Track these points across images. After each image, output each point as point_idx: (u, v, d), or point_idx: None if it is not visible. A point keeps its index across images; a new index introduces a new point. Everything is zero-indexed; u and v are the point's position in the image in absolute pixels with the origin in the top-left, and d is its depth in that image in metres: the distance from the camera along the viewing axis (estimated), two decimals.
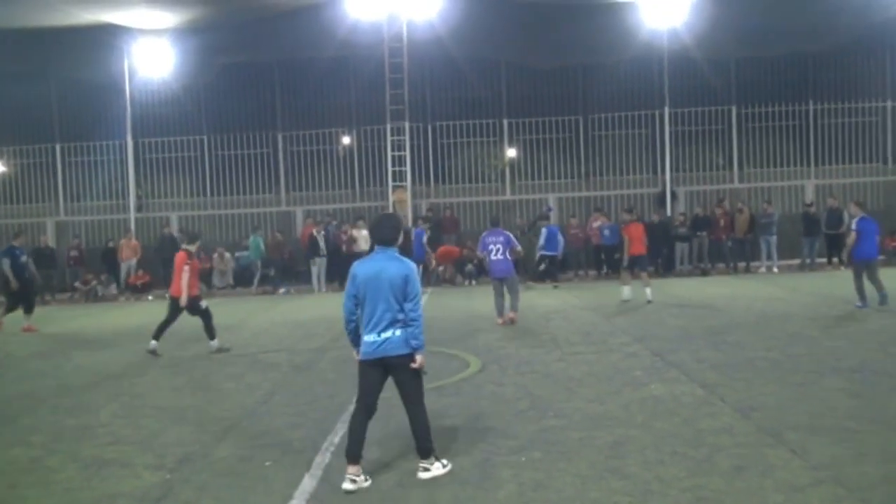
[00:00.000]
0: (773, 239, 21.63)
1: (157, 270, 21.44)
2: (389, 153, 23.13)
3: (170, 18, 21.59)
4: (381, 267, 5.54)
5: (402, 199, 23.25)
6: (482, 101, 24.51)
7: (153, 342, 11.44)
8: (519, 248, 13.53)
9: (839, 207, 22.05)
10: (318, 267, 21.13)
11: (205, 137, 24.51)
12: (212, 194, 24.65)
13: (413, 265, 5.71)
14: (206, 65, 22.94)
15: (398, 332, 5.48)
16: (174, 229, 22.73)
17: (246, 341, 12.59)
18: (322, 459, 5.97)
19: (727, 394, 7.39)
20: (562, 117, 24.46)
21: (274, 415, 7.52)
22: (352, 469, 5.34)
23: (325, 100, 24.33)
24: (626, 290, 15.61)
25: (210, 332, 11.53)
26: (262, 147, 24.54)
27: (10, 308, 15.08)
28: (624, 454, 5.74)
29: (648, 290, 15.33)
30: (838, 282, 17.54)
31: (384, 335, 5.48)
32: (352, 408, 7.41)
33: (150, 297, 21.18)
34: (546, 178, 24.57)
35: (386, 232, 5.71)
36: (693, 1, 21.84)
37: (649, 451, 5.76)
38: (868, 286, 13.04)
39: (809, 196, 23.55)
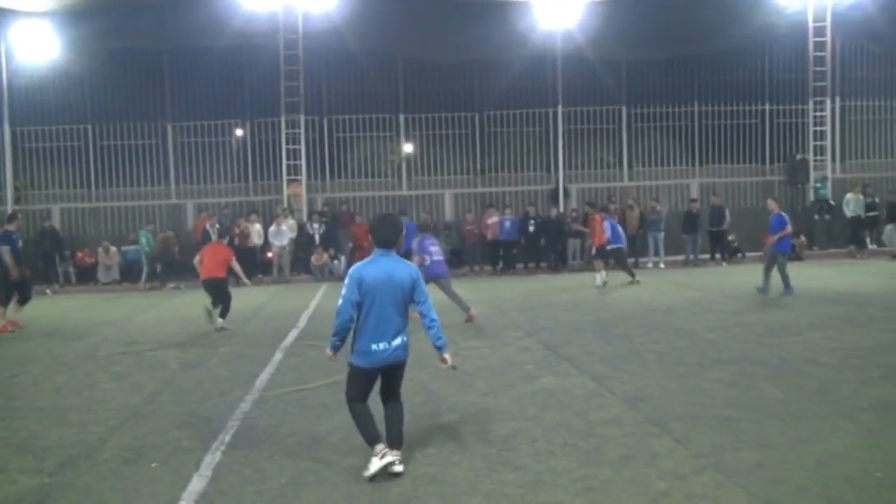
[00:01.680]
0: (661, 235, 22.43)
1: (36, 264, 20.42)
2: (284, 146, 22.80)
3: (51, 0, 20.61)
4: (389, 271, 5.41)
5: (296, 194, 22.98)
6: (379, 96, 24.40)
7: (220, 320, 12.46)
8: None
9: (721, 205, 23.08)
10: None
11: (89, 126, 23.44)
12: (97, 186, 23.60)
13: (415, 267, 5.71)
14: (92, 50, 21.94)
15: (405, 339, 5.48)
16: (55, 222, 21.73)
17: (132, 338, 12.13)
18: (212, 459, 5.82)
19: (616, 386, 7.61)
20: (458, 113, 24.61)
21: (161, 414, 7.29)
22: (379, 447, 5.28)
23: (218, 90, 23.64)
24: (599, 277, 17.30)
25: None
26: (150, 138, 23.63)
27: (6, 300, 13.56)
28: (516, 446, 5.83)
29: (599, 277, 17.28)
30: (721, 278, 18.37)
31: (394, 343, 5.40)
32: (245, 406, 7.39)
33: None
34: (442, 174, 24.68)
35: (388, 233, 5.57)
36: (586, 3, 22.40)
37: (540, 443, 5.87)
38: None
39: (694, 194, 24.52)
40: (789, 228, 14.74)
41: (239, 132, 24.17)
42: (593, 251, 17.73)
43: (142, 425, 6.92)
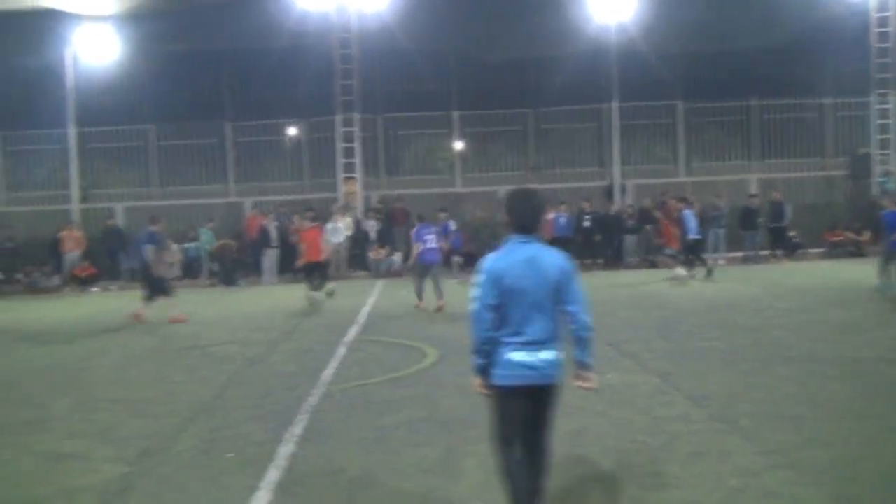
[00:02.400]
0: (722, 232, 22.11)
1: (102, 262, 21.00)
2: (340, 144, 23.04)
3: (114, 4, 21.15)
4: (533, 262, 4.11)
5: (352, 191, 23.20)
6: (433, 94, 24.54)
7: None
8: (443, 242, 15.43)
9: (781, 201, 22.66)
10: (269, 258, 20.97)
11: (151, 127, 24.05)
12: (158, 185, 24.21)
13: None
14: (153, 53, 22.49)
15: (557, 352, 4.19)
16: (119, 220, 22.31)
17: (197, 334, 12.43)
18: (286, 450, 5.95)
19: (681, 383, 7.57)
20: (512, 110, 24.62)
21: (231, 408, 7.46)
22: None
23: (275, 90, 24.03)
24: (684, 269, 16.93)
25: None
26: (210, 137, 24.17)
27: (150, 297, 14.13)
28: (585, 442, 5.86)
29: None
30: (781, 274, 18.07)
31: (543, 356, 4.12)
32: (313, 399, 7.53)
33: (95, 290, 20.75)
34: (496, 171, 24.69)
35: (528, 213, 4.24)
36: None
37: (609, 439, 5.89)
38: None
39: (753, 189, 24.11)
40: None
41: (292, 131, 24.50)
42: (666, 250, 17.36)
43: (214, 418, 7.10)
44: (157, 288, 14.15)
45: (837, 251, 22.57)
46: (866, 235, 22.49)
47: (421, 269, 14.35)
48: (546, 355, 4.14)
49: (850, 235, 22.71)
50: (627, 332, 10.82)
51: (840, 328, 10.45)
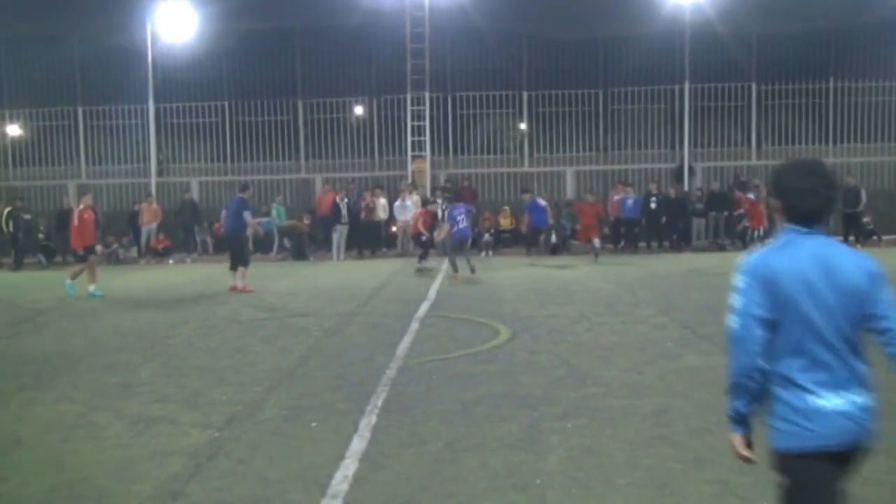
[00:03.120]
0: None
1: (177, 235, 21.53)
2: (409, 123, 23.14)
3: None
4: (824, 262, 2.86)
5: (420, 169, 23.30)
6: (502, 73, 24.42)
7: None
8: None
9: (857, 186, 22.01)
10: (339, 234, 21.23)
11: (226, 103, 24.47)
12: (232, 160, 24.67)
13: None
14: (229, 31, 22.86)
15: (868, 393, 2.86)
16: (194, 194, 22.81)
17: (272, 306, 12.68)
18: (368, 421, 6.04)
19: None
20: (581, 90, 24.36)
21: (312, 377, 7.60)
22: None
23: (347, 68, 24.24)
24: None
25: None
26: (282, 114, 24.50)
27: (234, 266, 14.54)
28: (668, 422, 5.80)
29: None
30: None
31: (856, 398, 2.82)
32: (391, 372, 7.63)
33: (170, 261, 21.29)
34: (564, 152, 24.50)
35: (814, 194, 2.91)
36: None
37: (694, 420, 5.82)
38: None
39: None
40: None
41: (358, 110, 24.66)
42: (755, 233, 16.96)
43: (296, 387, 7.24)
44: (238, 256, 14.38)
45: None
46: None
47: (455, 246, 15.91)
48: (859, 398, 2.82)
49: None
50: (702, 314, 10.66)
51: None
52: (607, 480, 4.71)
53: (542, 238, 20.60)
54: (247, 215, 14.61)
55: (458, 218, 15.74)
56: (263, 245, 22.53)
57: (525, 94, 24.30)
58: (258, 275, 17.50)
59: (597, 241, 19.06)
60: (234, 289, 14.21)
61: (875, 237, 22.04)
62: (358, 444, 5.51)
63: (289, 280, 16.69)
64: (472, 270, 15.44)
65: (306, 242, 21.68)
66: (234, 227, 14.83)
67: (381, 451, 5.36)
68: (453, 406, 6.41)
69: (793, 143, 24.53)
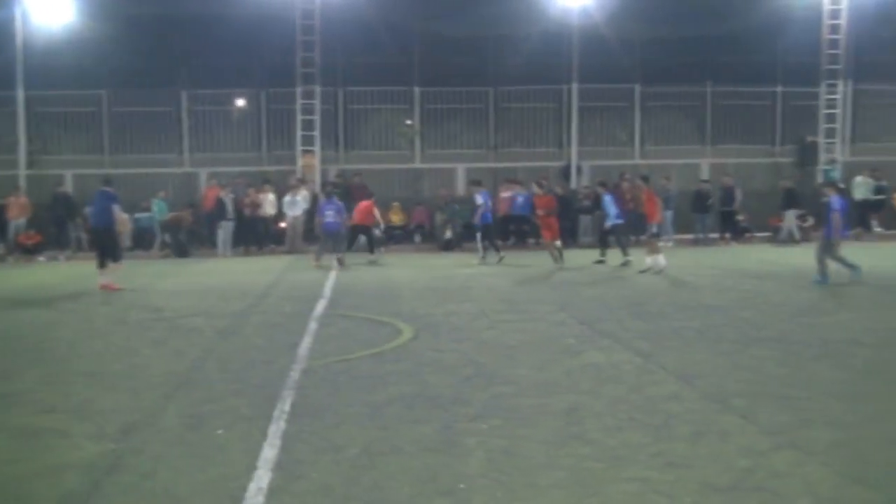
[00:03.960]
0: (670, 214, 22.41)
1: (48, 231, 20.29)
2: (299, 117, 22.66)
3: None
4: None
5: (310, 164, 22.88)
6: (394, 68, 24.21)
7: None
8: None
9: (732, 186, 23.07)
10: (225, 231, 20.58)
11: (103, 92, 23.23)
12: (110, 152, 23.43)
13: None
14: (108, 15, 21.65)
15: None
16: (69, 188, 21.59)
17: (159, 305, 12.10)
18: (277, 427, 5.77)
19: (665, 362, 7.61)
20: (472, 88, 24.48)
21: (211, 382, 7.24)
22: None
23: (234, 59, 23.37)
24: (661, 258, 15.46)
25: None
26: (165, 105, 23.47)
27: (103, 262, 13.89)
28: (581, 420, 5.82)
29: (650, 260, 15.50)
30: (732, 257, 18.41)
31: None
32: (294, 375, 7.37)
33: (41, 259, 20.06)
34: (455, 148, 24.57)
35: None
36: None
37: (606, 418, 5.86)
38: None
39: (704, 174, 24.48)
40: (835, 217, 13.27)
41: (241, 102, 23.95)
42: (654, 229, 17.26)
43: (195, 392, 6.88)
44: (109, 252, 13.74)
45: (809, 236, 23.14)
46: (810, 222, 23.04)
47: (325, 237, 17.86)
48: None
49: (796, 221, 23.29)
50: (598, 311, 10.87)
51: (803, 310, 10.68)
52: (530, 483, 4.66)
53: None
54: (116, 209, 14.02)
55: (327, 212, 17.72)
56: (144, 241, 21.61)
57: (417, 91, 24.22)
58: (142, 273, 16.79)
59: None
60: (105, 287, 13.52)
61: (748, 234, 23.11)
62: (269, 453, 5.26)
63: (175, 278, 16.01)
64: (339, 254, 17.46)
65: (185, 238, 20.86)
66: (101, 221, 14.18)
67: (295, 459, 5.13)
68: (364, 409, 6.24)
69: (673, 143, 25.43)
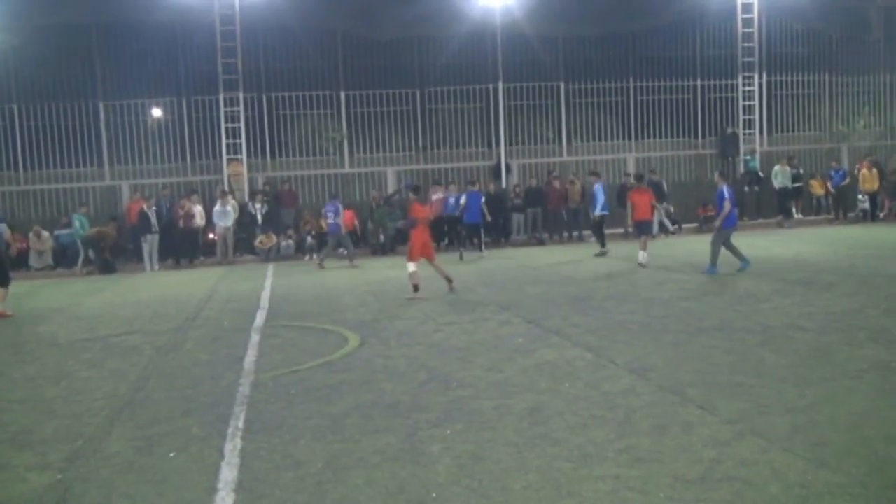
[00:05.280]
0: None
1: None
2: (223, 125, 22.17)
3: None
4: None
5: (237, 173, 22.41)
6: (319, 72, 23.85)
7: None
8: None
9: (660, 180, 23.50)
10: (150, 244, 19.98)
11: (15, 106, 22.23)
12: (25, 168, 22.45)
13: None
14: (15, 26, 20.74)
15: None
16: None
17: (90, 325, 11.63)
18: (233, 445, 5.59)
19: (615, 356, 7.65)
20: (399, 90, 24.31)
21: (157, 402, 6.97)
22: None
23: (152, 67, 22.60)
24: (643, 255, 15.55)
25: None
26: (81, 117, 22.58)
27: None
28: (544, 420, 5.78)
29: (643, 255, 15.54)
30: (663, 249, 18.72)
31: None
32: (244, 389, 7.14)
33: None
34: (384, 151, 24.39)
35: None
36: None
37: (568, 416, 5.84)
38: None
39: (630, 168, 24.89)
40: (726, 205, 13.78)
41: (157, 112, 23.28)
42: (631, 227, 17.57)
43: (141, 414, 6.61)
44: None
45: (709, 226, 23.72)
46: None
47: (330, 239, 19.05)
48: None
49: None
50: (542, 308, 10.89)
51: (739, 298, 10.90)
52: (503, 487, 4.59)
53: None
54: (3, 228, 13.30)
55: (329, 214, 18.95)
56: (65, 259, 20.82)
57: (342, 94, 23.94)
58: (66, 292, 16.15)
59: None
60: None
61: (676, 226, 23.58)
62: (228, 473, 5.08)
63: (103, 295, 15.43)
64: (351, 257, 18.78)
65: (110, 254, 20.17)
66: None
67: (256, 478, 4.96)
68: (322, 421, 6.08)
69: (599, 139, 25.79)
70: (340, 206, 19.26)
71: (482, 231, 20.11)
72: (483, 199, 20.19)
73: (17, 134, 22.39)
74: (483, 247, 19.88)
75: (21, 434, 6.25)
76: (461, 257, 18.96)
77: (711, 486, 4.42)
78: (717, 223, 14.01)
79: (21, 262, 20.76)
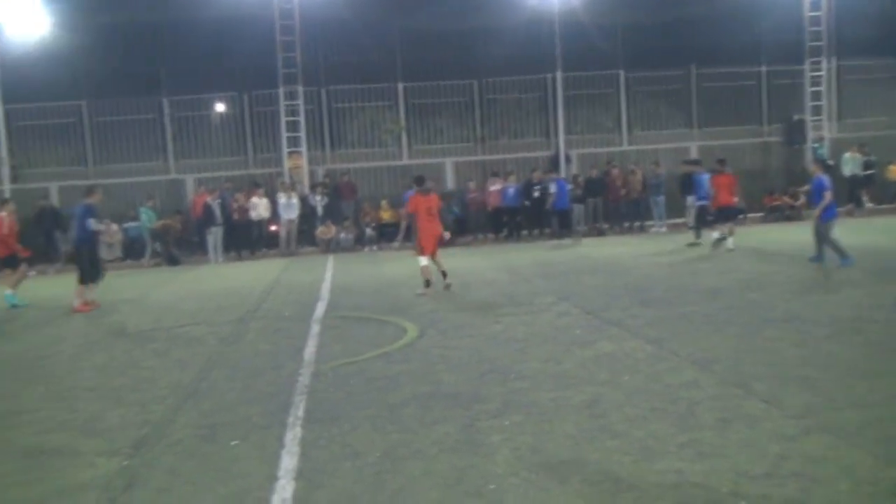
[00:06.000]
0: (662, 199, 22.37)
1: (37, 243, 19.96)
2: (283, 118, 22.45)
3: None
4: None
5: (297, 166, 22.67)
6: (377, 65, 23.92)
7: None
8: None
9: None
10: (215, 237, 20.38)
11: (83, 103, 22.86)
12: (94, 163, 23.09)
13: None
14: (84, 24, 21.31)
15: None
16: (54, 200, 21.32)
17: (157, 316, 11.91)
18: (294, 434, 5.65)
19: (677, 348, 7.52)
20: (456, 81, 24.29)
21: (220, 391, 7.10)
22: None
23: (215, 62, 22.95)
24: (729, 240, 15.85)
25: None
26: (146, 113, 23.13)
27: (85, 280, 12.93)
28: (603, 413, 5.71)
29: (731, 240, 15.78)
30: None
31: None
32: (304, 379, 7.23)
33: (31, 273, 19.72)
34: (442, 143, 24.41)
35: None
36: None
37: (628, 408, 5.76)
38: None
39: (693, 157, 24.40)
40: (827, 195, 12.78)
41: (220, 106, 23.68)
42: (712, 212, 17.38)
43: (204, 402, 6.73)
44: (90, 269, 13.03)
45: (775, 215, 23.24)
46: (802, 200, 23.06)
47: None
48: None
49: (787, 200, 23.37)
50: (601, 299, 10.77)
51: (807, 289, 10.62)
52: (561, 479, 4.55)
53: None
54: (90, 223, 12.90)
55: None
56: (133, 251, 21.37)
57: (401, 86, 24.01)
58: (134, 283, 16.56)
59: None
60: (83, 307, 12.64)
61: (741, 216, 23.03)
62: (289, 461, 5.13)
63: (169, 287, 15.79)
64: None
65: (175, 246, 20.63)
66: (80, 237, 13.10)
67: (316, 467, 5.01)
68: (380, 411, 6.11)
69: (660, 128, 25.38)
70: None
71: (572, 217, 19.85)
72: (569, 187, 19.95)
73: (85, 130, 23.03)
74: (577, 233, 19.62)
75: (91, 421, 6.42)
76: (561, 240, 19.19)
77: (777, 481, 4.30)
78: (817, 213, 12.94)
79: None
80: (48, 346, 9.87)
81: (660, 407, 5.74)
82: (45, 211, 20.55)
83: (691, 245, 17.24)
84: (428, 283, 12.25)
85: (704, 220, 17.80)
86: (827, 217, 12.88)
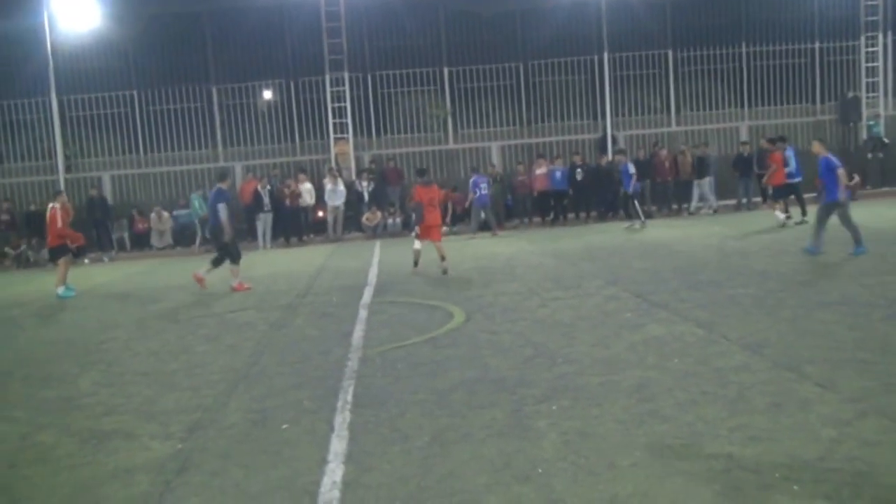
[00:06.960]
0: (711, 180, 22.02)
1: (88, 232, 20.46)
2: (329, 104, 22.59)
3: None
4: None
5: (344, 152, 22.81)
6: (421, 50, 23.97)
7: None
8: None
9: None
10: (264, 223, 20.64)
11: (134, 92, 23.31)
12: (145, 152, 23.55)
13: None
14: (132, 16, 21.69)
15: None
16: (107, 189, 21.78)
17: (207, 301, 12.13)
18: (343, 419, 5.71)
19: (727, 331, 7.41)
20: (502, 64, 24.17)
21: (270, 376, 7.20)
22: None
23: (261, 50, 23.31)
24: (780, 216, 16.62)
25: None
26: (195, 101, 23.47)
27: (219, 261, 13.36)
28: (652, 397, 5.67)
29: (781, 216, 16.65)
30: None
31: None
32: (352, 364, 7.29)
33: (86, 261, 20.25)
34: (488, 127, 24.34)
35: None
36: None
37: (677, 392, 5.70)
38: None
39: (744, 137, 23.99)
40: (840, 174, 11.82)
41: (268, 94, 23.91)
42: (770, 190, 17.57)
43: (255, 387, 6.84)
44: (227, 252, 13.28)
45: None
46: (857, 180, 22.48)
47: (476, 210, 20.06)
48: None
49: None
50: (649, 283, 10.66)
51: (863, 272, 10.35)
52: (610, 463, 4.53)
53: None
54: (220, 208, 13.01)
55: (482, 185, 19.72)
56: (184, 238, 21.75)
57: (446, 70, 23.98)
58: (187, 270, 16.82)
59: None
60: (238, 289, 12.98)
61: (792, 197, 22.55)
62: (338, 445, 5.19)
63: (216, 273, 15.99)
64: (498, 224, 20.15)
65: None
66: (213, 224, 13.44)
67: (365, 451, 5.05)
68: (428, 395, 6.14)
69: (709, 108, 24.98)
70: (489, 179, 20.05)
71: (636, 200, 19.61)
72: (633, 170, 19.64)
73: (136, 119, 23.48)
74: (643, 215, 19.45)
75: (145, 405, 6.57)
76: (633, 220, 19.30)
77: (831, 466, 4.22)
78: (842, 197, 11.95)
79: (143, 241, 21.87)
80: (103, 332, 10.11)
81: (710, 391, 5.67)
82: (94, 201, 21.00)
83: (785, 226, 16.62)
84: (416, 264, 13.56)
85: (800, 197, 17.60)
86: (831, 198, 12.02)
